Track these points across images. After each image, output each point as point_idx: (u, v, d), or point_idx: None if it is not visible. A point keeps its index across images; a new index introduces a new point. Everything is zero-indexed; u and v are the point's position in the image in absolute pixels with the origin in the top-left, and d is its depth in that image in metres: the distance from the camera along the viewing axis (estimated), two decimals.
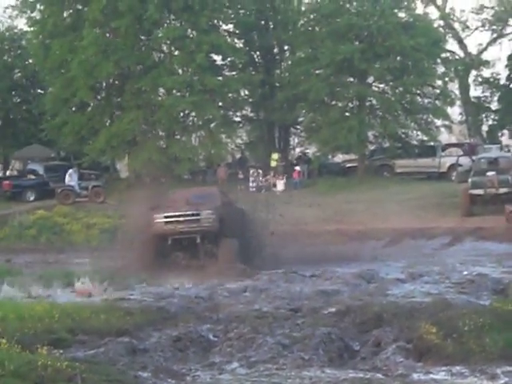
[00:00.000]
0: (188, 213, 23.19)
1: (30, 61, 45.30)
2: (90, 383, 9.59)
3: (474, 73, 46.73)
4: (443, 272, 21.71)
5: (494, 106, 46.59)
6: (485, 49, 47.40)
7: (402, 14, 41.97)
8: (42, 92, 45.50)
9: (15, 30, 46.45)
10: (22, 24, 46.07)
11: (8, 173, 43.95)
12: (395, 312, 13.56)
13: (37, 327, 12.34)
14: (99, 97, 43.67)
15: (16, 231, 33.19)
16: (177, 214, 23.24)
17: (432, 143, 42.13)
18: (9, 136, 44.76)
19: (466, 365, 10.93)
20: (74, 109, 42.68)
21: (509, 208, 31.15)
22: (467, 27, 47.41)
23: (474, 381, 10.32)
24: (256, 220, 25.08)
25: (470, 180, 33.34)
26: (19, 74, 46.48)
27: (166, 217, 23.25)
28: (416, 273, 21.63)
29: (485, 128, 47.07)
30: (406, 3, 42.15)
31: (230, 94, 42.39)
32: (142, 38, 42.46)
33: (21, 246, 31.92)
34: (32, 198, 38.75)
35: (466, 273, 21.44)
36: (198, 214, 23.19)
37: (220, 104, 42.33)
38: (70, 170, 38.57)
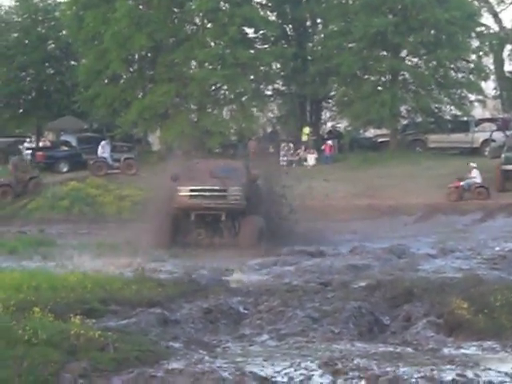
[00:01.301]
0: (215, 188, 21.91)
1: (64, 32, 45.44)
2: (122, 353, 9.68)
3: (508, 47, 46.14)
4: (475, 248, 21.66)
5: None
6: None
7: None
8: (75, 64, 45.68)
9: (49, 1, 46.57)
10: None
11: (41, 144, 44.28)
12: (426, 287, 13.54)
13: (69, 297, 12.46)
14: (132, 69, 43.78)
15: (49, 202, 33.47)
16: (203, 188, 21.88)
17: (465, 118, 41.78)
18: (42, 107, 45.05)
19: (498, 340, 10.90)
20: (106, 81, 42.82)
21: (448, 185, 31.59)
22: (502, 1, 46.80)
23: (505, 356, 10.29)
24: (282, 196, 23.93)
25: (503, 155, 33.11)
26: (53, 46, 46.66)
27: (191, 190, 21.92)
28: (447, 248, 21.59)
29: None
30: None
31: (261, 68, 42.30)
32: (175, 10, 42.44)
33: (54, 217, 32.23)
34: (65, 170, 39.07)
35: (497, 249, 21.38)
36: (225, 190, 21.94)
37: (252, 77, 42.25)
38: (103, 142, 38.81)
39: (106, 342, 9.83)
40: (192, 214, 21.90)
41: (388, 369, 9.31)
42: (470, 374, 9.23)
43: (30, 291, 12.64)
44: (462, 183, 32.22)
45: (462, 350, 10.59)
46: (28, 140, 43.08)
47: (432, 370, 9.29)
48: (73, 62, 46.34)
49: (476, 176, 32.39)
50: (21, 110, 46.12)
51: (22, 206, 33.65)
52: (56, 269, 16.90)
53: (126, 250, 20.37)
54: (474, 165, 32.81)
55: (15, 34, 45.82)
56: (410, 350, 10.68)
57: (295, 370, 9.43)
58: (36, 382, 8.77)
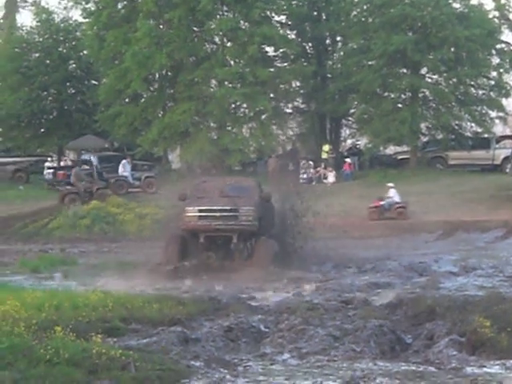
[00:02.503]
0: (226, 208, 20.30)
1: (85, 52, 45.77)
2: (143, 372, 9.68)
3: None
4: (497, 265, 21.50)
5: None
6: None
7: (456, 5, 41.53)
8: (96, 83, 45.96)
9: (70, 22, 46.95)
10: (76, 15, 46.72)
11: (62, 163, 44.53)
12: (448, 305, 13.43)
13: (91, 316, 12.48)
14: (152, 88, 44.00)
15: (70, 221, 33.56)
16: (213, 208, 20.33)
17: (486, 135, 41.62)
18: (63, 126, 45.33)
19: None
20: (127, 100, 43.07)
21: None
22: None
23: None
24: (299, 214, 22.45)
25: None
26: (74, 66, 46.99)
27: (200, 210, 20.34)
28: (469, 266, 21.45)
29: None
30: None
31: (281, 86, 42.40)
32: (195, 29, 42.64)
33: (75, 236, 32.31)
34: None
35: None
36: (236, 210, 20.30)
37: (271, 95, 42.34)
38: (124, 161, 38.95)
39: (127, 361, 9.83)
40: (201, 236, 20.41)
41: None
42: None
43: (52, 310, 12.67)
44: (382, 203, 32.16)
45: (485, 369, 10.50)
46: (49, 159, 43.34)
47: None
48: (94, 82, 46.64)
49: (394, 195, 32.41)
50: (42, 130, 46.43)
51: (44, 224, 33.81)
52: (77, 288, 16.94)
53: (147, 269, 20.38)
54: (392, 185, 32.92)
55: (37, 54, 46.19)
56: (432, 368, 10.60)
57: None
58: None
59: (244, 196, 20.81)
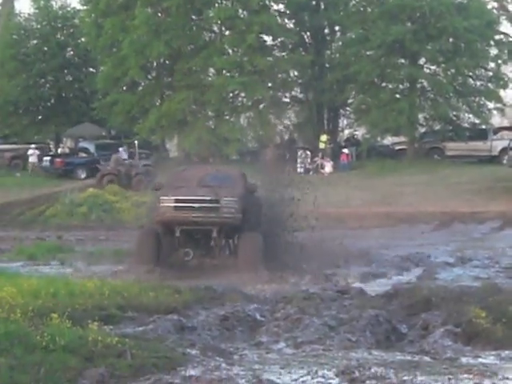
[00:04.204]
0: (205, 198, 18.25)
1: (83, 39, 45.76)
2: (139, 359, 9.69)
3: None
4: (493, 256, 21.54)
5: None
6: None
7: None
8: (94, 71, 45.97)
9: (68, 9, 46.95)
10: (74, 2, 47.00)
11: (60, 150, 44.51)
12: (444, 296, 13.45)
13: (87, 303, 12.47)
14: (150, 76, 44.00)
15: (67, 208, 33.60)
16: (192, 198, 18.27)
17: (484, 126, 41.66)
18: (61, 114, 45.33)
19: None
20: (125, 88, 43.07)
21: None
22: None
23: None
24: (290, 205, 20.55)
25: None
26: (71, 53, 46.98)
27: (176, 200, 18.27)
28: (465, 257, 21.49)
29: None
30: None
31: (279, 75, 42.41)
32: (193, 17, 42.62)
33: (72, 223, 32.33)
34: (83, 176, 39.28)
35: None
36: (217, 201, 18.27)
37: (269, 85, 42.36)
38: (121, 149, 38.95)
39: (123, 349, 9.84)
40: (177, 230, 18.36)
41: (405, 378, 9.26)
42: (487, 383, 9.18)
43: (48, 297, 12.66)
44: None
45: (480, 360, 10.53)
46: (33, 146, 42.52)
47: (449, 379, 9.24)
48: (91, 69, 46.63)
49: None
50: (40, 117, 46.45)
51: (41, 212, 33.83)
52: (74, 275, 16.94)
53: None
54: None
55: (34, 41, 46.19)
56: (427, 358, 10.62)
57: (312, 378, 9.40)
58: None
59: (226, 186, 18.87)
